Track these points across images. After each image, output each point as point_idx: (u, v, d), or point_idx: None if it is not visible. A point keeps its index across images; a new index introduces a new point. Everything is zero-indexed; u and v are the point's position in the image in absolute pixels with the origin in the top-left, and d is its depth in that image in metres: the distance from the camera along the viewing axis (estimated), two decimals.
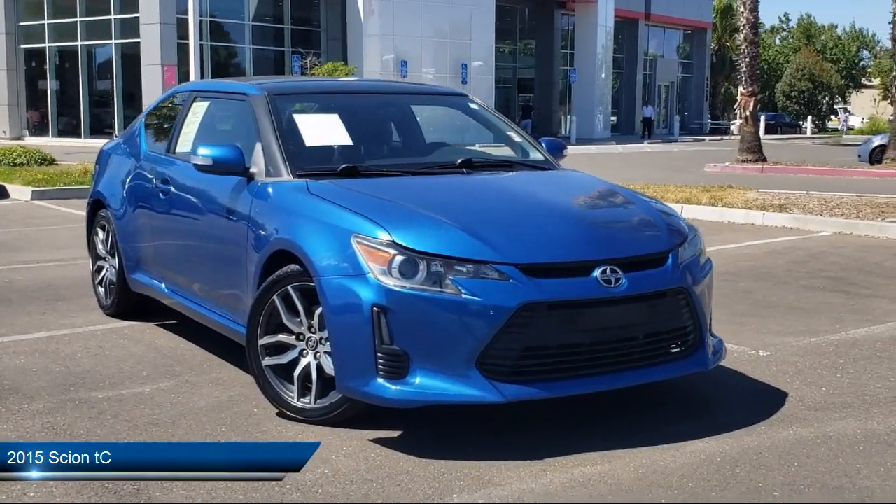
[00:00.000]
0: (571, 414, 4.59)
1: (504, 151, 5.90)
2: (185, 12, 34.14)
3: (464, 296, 4.04)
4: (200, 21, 34.01)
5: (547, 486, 3.80)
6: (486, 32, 41.05)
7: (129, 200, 6.33)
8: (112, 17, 34.91)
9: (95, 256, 6.98)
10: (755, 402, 4.89)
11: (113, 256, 6.68)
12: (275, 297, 4.58)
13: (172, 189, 5.77)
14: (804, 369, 5.47)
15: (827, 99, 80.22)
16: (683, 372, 4.53)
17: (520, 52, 49.15)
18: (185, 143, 5.96)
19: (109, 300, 6.77)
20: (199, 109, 5.97)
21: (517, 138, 5.92)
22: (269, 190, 4.89)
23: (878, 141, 27.65)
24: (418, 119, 6.00)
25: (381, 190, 4.76)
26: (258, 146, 5.10)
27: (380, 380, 4.09)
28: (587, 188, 5.31)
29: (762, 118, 42.89)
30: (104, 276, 6.85)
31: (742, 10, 25.24)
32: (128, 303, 6.66)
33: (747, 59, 25.28)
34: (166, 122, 6.45)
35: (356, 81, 7.27)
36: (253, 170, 5.04)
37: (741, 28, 25.43)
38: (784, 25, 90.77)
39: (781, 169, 23.67)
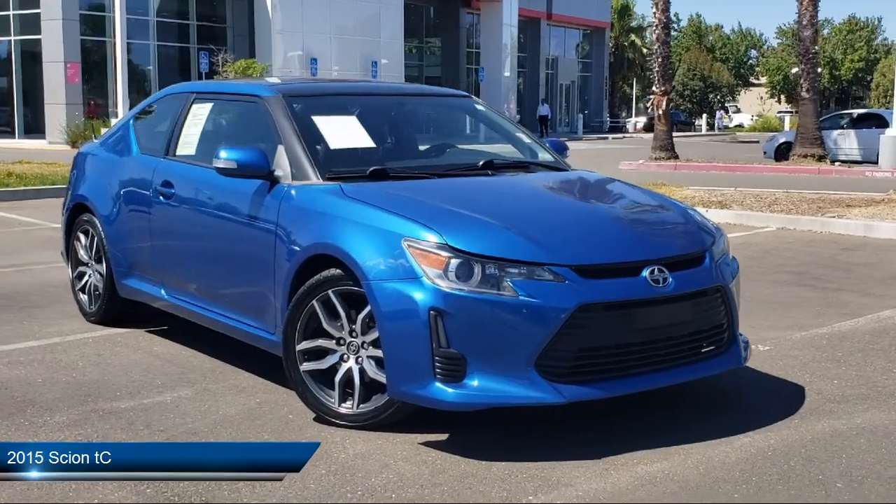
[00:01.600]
0: (605, 413, 4.66)
1: (508, 151, 5.94)
2: (90, 8, 33.56)
3: (521, 298, 4.07)
4: (103, 17, 33.34)
5: (616, 484, 3.87)
6: (395, 30, 41.08)
7: (121, 204, 6.19)
8: (10, 12, 33.82)
9: (76, 262, 6.80)
10: (776, 396, 5.04)
11: (99, 262, 6.52)
12: (314, 301, 4.55)
13: (176, 192, 5.66)
14: (808, 363, 5.65)
15: (718, 97, 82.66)
16: (722, 369, 4.65)
17: (425, 50, 49.25)
18: (186, 145, 5.85)
19: (94, 307, 6.60)
20: (200, 111, 5.86)
21: (526, 139, 5.98)
22: (300, 193, 4.84)
23: (782, 138, 28.62)
24: (427, 120, 6.00)
25: (417, 192, 4.76)
26: (280, 149, 5.05)
27: (438, 383, 4.10)
28: (614, 188, 5.40)
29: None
30: (87, 282, 6.68)
31: (654, 10, 25.78)
32: (115, 309, 6.51)
33: (660, 59, 25.85)
34: (159, 123, 6.31)
35: (363, 83, 7.22)
36: (278, 173, 4.98)
37: (654, 28, 25.97)
38: (675, 26, 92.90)
39: (694, 166, 24.27)
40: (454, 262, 4.11)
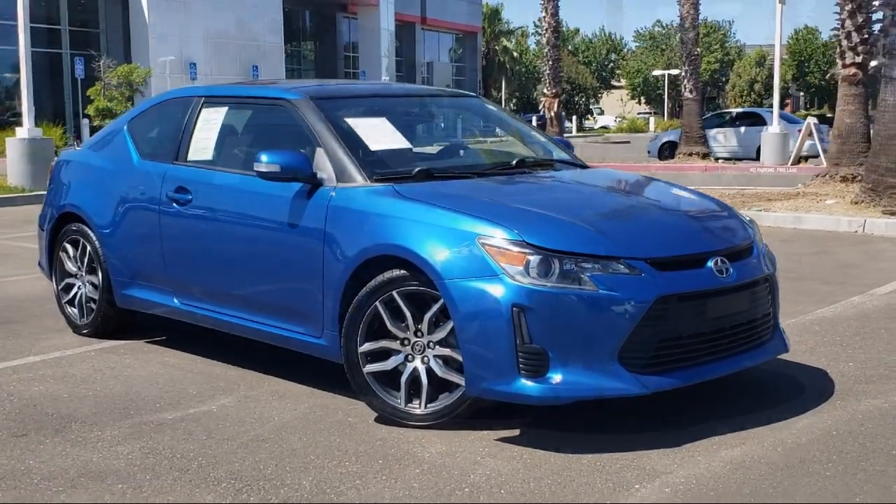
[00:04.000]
0: (655, 404, 4.78)
1: (519, 148, 6.02)
2: None
3: (601, 291, 4.17)
4: None
5: (710, 469, 4.00)
6: (275, 35, 40.65)
7: (122, 212, 6.03)
8: None
9: (62, 274, 6.58)
10: (803, 381, 5.27)
11: (91, 273, 6.34)
12: (377, 303, 4.56)
13: (194, 198, 5.55)
14: (814, 348, 5.92)
15: (584, 100, 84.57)
16: (773, 355, 4.86)
17: (303, 54, 48.86)
18: (200, 150, 5.74)
19: (87, 319, 6.41)
20: (213, 116, 5.76)
21: (538, 137, 6.09)
22: (349, 195, 4.82)
23: (665, 138, 29.59)
24: (444, 119, 6.05)
25: (472, 191, 4.83)
26: (320, 151, 5.02)
27: (522, 379, 4.17)
28: (654, 184, 5.58)
29: (533, 118, 44.59)
30: (77, 294, 6.48)
31: (543, 13, 26.27)
32: (111, 321, 6.35)
33: (550, 62, 26.36)
34: (161, 129, 6.17)
35: (379, 84, 7.18)
36: (321, 176, 4.96)
37: (544, 31, 26.46)
38: (539, 30, 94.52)
39: (592, 166, 24.78)
40: (534, 258, 4.19)
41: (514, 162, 5.45)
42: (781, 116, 24.70)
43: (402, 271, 4.51)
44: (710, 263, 4.45)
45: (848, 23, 15.47)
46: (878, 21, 13.94)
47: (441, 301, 4.39)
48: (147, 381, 5.43)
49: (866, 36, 15.35)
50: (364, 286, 4.65)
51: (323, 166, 4.98)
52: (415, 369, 4.54)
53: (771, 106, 25.20)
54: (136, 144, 6.15)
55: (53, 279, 6.70)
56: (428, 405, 4.52)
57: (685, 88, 25.53)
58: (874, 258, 9.65)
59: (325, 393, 5.13)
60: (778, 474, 3.93)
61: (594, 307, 4.16)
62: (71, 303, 6.55)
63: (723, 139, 28.04)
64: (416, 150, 5.49)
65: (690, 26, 25.29)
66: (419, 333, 4.52)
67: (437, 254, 4.36)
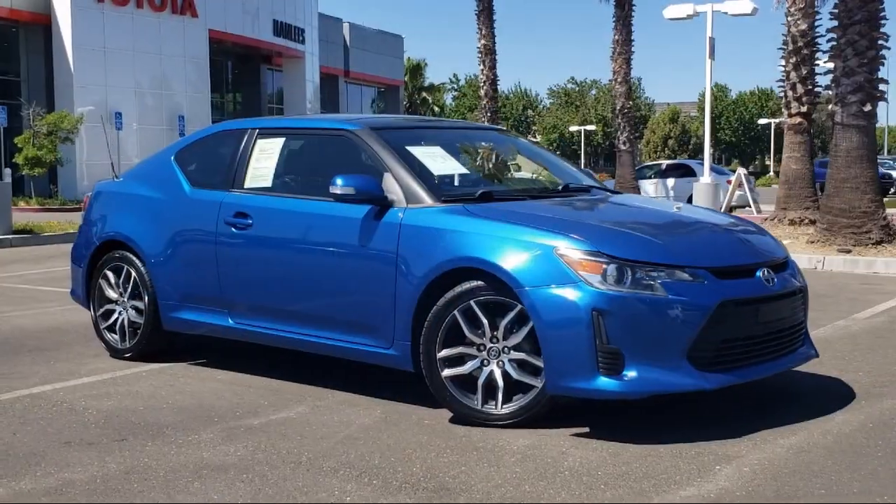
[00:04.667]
0: (693, 401, 5.27)
1: (545, 176, 6.51)
2: None
3: (670, 296, 4.66)
4: None
5: (776, 453, 4.48)
6: (201, 85, 40.79)
7: (173, 238, 6.34)
8: None
9: (102, 301, 6.83)
10: (822, 386, 5.82)
11: (136, 298, 6.61)
12: (455, 312, 4.98)
13: (255, 222, 5.89)
14: (820, 361, 6.43)
15: None
16: (806, 360, 5.40)
17: (227, 105, 48.97)
18: (258, 178, 6.10)
19: (130, 343, 6.67)
20: (269, 147, 6.13)
21: (568, 166, 6.61)
22: (422, 215, 5.24)
23: None
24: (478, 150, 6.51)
25: (537, 210, 5.29)
26: (387, 176, 5.44)
27: (602, 377, 4.61)
28: (685, 206, 6.12)
29: None
30: (118, 319, 6.74)
31: (482, 66, 27.08)
32: (155, 344, 6.62)
33: (489, 114, 27.12)
34: (212, 160, 6.50)
35: (424, 119, 7.62)
36: (391, 198, 5.37)
37: (482, 84, 27.25)
38: (455, 85, 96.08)
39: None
40: (611, 266, 4.67)
41: (560, 186, 5.94)
42: (710, 168, 25.76)
43: (480, 282, 4.94)
44: (759, 273, 4.99)
45: (793, 74, 16.48)
46: (820, 73, 14.94)
47: (518, 308, 4.83)
48: (213, 395, 5.72)
49: (810, 87, 16.36)
50: (436, 298, 5.06)
51: (391, 189, 5.40)
52: (491, 373, 4.95)
53: (686, 159, 26.27)
54: (186, 174, 6.48)
55: (91, 306, 6.93)
56: (503, 406, 4.92)
57: (619, 140, 26.51)
58: (842, 290, 10.38)
59: (389, 401, 5.49)
60: (837, 456, 4.44)
61: (665, 310, 4.64)
62: (110, 329, 6.80)
63: (653, 190, 29.05)
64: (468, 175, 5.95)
65: (623, 80, 26.32)
66: (495, 339, 4.93)
67: (516, 265, 4.81)
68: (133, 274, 6.59)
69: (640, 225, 5.24)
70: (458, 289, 4.99)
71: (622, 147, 26.38)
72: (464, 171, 5.91)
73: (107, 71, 36.79)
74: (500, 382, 4.93)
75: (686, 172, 28.73)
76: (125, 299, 6.68)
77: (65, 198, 31.01)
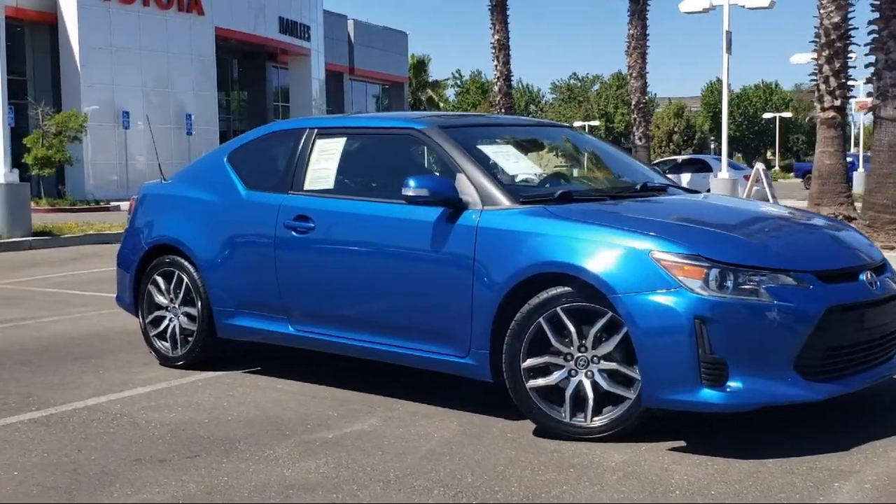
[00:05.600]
0: (787, 410, 5.02)
1: (622, 174, 6.26)
2: None
3: (776, 302, 4.42)
4: None
5: (893, 467, 4.26)
6: (208, 83, 40.58)
7: (229, 242, 6.11)
8: None
9: (152, 307, 6.61)
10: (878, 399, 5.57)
11: (187, 304, 6.38)
12: (540, 319, 4.75)
13: (317, 226, 5.66)
14: None
15: None
16: None
17: (233, 103, 48.72)
18: (318, 180, 5.87)
19: (181, 351, 6.44)
20: (330, 147, 5.90)
21: (638, 164, 6.37)
22: (500, 218, 5.00)
23: None
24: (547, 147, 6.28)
25: (625, 211, 5.06)
26: (461, 177, 5.21)
27: (705, 389, 4.38)
28: (776, 206, 5.89)
29: None
30: (169, 326, 6.51)
31: (496, 62, 26.83)
32: (208, 351, 6.40)
33: (502, 110, 26.86)
34: (268, 161, 6.28)
35: (490, 116, 7.39)
36: (466, 199, 5.14)
37: (495, 80, 27.00)
38: (458, 81, 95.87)
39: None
40: (713, 271, 4.43)
41: (637, 185, 5.71)
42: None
43: (567, 288, 4.70)
44: (862, 277, 4.76)
45: (826, 68, 16.23)
46: (852, 66, 14.70)
47: (608, 315, 4.60)
48: (278, 406, 5.50)
49: (844, 80, 16.12)
50: (518, 304, 4.83)
51: (465, 190, 5.16)
52: (579, 383, 4.72)
53: (702, 154, 26.07)
54: (241, 176, 6.24)
55: (140, 313, 6.70)
56: (594, 419, 4.69)
57: (634, 136, 26.27)
58: None
59: (464, 412, 5.27)
60: None
61: (771, 317, 4.40)
62: (161, 336, 6.57)
63: None
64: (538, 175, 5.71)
65: (639, 75, 26.08)
66: (583, 348, 4.70)
67: (608, 270, 4.57)
68: (185, 279, 6.36)
69: (736, 226, 5.02)
70: (544, 295, 4.75)
71: (638, 142, 26.17)
72: (538, 170, 5.68)
73: (113, 69, 36.55)
74: (590, 394, 4.70)
75: (702, 168, 28.49)
76: (176, 306, 6.46)
77: (74, 198, 30.77)
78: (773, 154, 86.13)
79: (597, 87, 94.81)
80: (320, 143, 5.95)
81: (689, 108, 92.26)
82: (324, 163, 5.89)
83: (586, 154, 6.44)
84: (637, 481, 4.15)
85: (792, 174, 64.69)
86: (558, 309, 4.72)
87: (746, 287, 4.44)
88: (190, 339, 6.40)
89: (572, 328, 4.70)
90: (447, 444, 4.73)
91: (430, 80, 70.79)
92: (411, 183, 5.12)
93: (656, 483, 4.13)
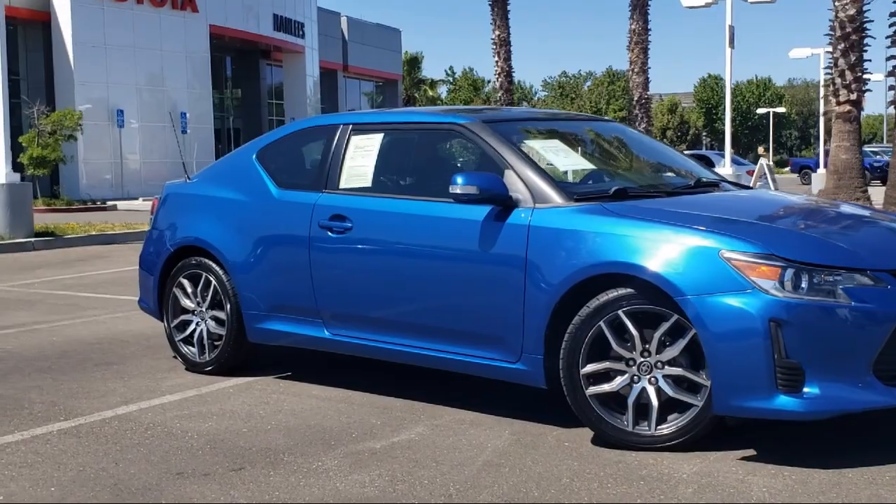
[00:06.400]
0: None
1: (671, 169, 6.02)
2: None
3: (854, 303, 4.20)
4: None
5: None
6: (202, 81, 40.23)
7: (260, 243, 5.86)
8: None
9: (177, 310, 6.36)
10: None
11: (215, 308, 6.14)
12: (601, 323, 4.52)
13: (355, 225, 5.42)
14: None
15: None
16: None
17: (227, 101, 48.35)
18: (355, 178, 5.63)
19: (210, 356, 6.20)
20: (366, 143, 5.65)
21: (686, 159, 6.14)
22: (555, 216, 4.76)
23: None
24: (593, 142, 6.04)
25: (686, 207, 4.82)
26: (510, 174, 4.98)
27: (782, 395, 4.15)
28: (829, 200, 5.65)
29: None
30: (196, 331, 6.26)
31: (496, 58, 26.58)
32: (238, 357, 6.16)
33: (504, 106, 26.60)
34: (301, 158, 6.04)
35: (532, 110, 7.15)
36: (516, 197, 4.91)
37: (496, 76, 26.75)
38: (450, 78, 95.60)
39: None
40: (789, 271, 4.20)
41: (691, 181, 5.48)
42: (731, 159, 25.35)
43: (629, 289, 4.48)
44: None
45: (841, 61, 16.03)
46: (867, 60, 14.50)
47: (674, 318, 4.38)
48: (317, 414, 5.27)
49: (859, 74, 15.92)
50: (575, 307, 4.61)
51: (515, 188, 4.93)
52: (642, 390, 4.50)
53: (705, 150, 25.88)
54: (271, 174, 6.00)
55: (165, 318, 6.46)
56: (658, 427, 4.47)
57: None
58: None
59: (513, 420, 5.05)
60: None
61: (849, 319, 4.18)
62: (187, 341, 6.33)
63: None
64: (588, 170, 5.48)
65: (641, 70, 25.87)
66: (646, 353, 4.48)
67: (675, 270, 4.35)
68: (213, 282, 6.12)
69: (805, 223, 4.79)
70: (604, 297, 4.52)
71: None
72: (589, 166, 5.44)
73: (108, 68, 36.22)
74: (654, 401, 4.47)
75: (705, 163, 28.25)
76: (203, 309, 6.21)
77: (69, 197, 30.43)
78: (766, 150, 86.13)
79: (589, 83, 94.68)
80: (356, 140, 5.71)
81: (681, 103, 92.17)
82: (360, 160, 5.65)
83: (631, 148, 6.19)
84: (714, 494, 3.93)
85: (787, 169, 64.63)
86: (620, 312, 4.49)
87: (823, 287, 4.21)
88: (218, 343, 6.15)
89: (635, 332, 4.48)
90: (502, 454, 4.50)
91: (424, 77, 70.40)
92: (459, 180, 4.88)
93: (735, 495, 3.91)
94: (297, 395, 5.70)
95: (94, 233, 16.51)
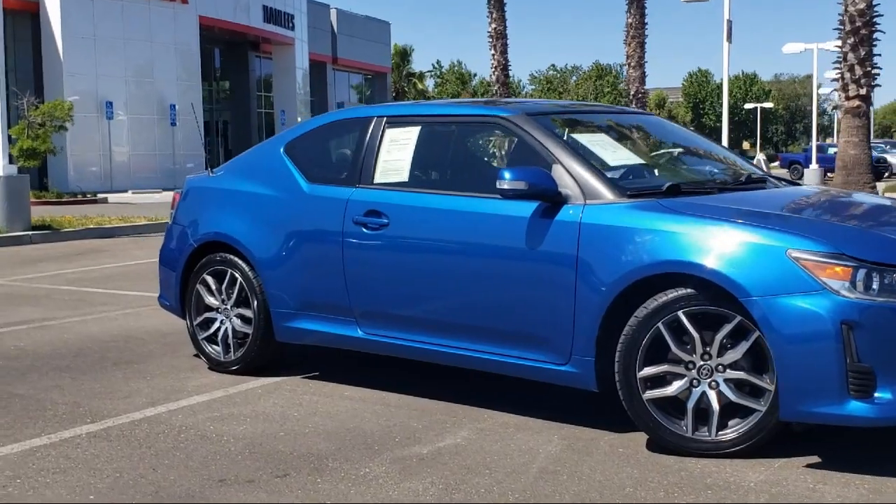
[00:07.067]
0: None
1: (715, 163, 5.85)
2: None
3: None
4: None
5: None
6: (192, 73, 39.89)
7: (289, 239, 5.67)
8: None
9: (200, 308, 6.17)
10: None
11: (241, 305, 5.95)
12: (660, 324, 4.35)
13: (392, 222, 5.24)
14: None
15: None
16: None
17: (215, 93, 47.98)
18: (390, 172, 5.44)
19: (235, 355, 6.00)
20: (402, 136, 5.46)
21: (729, 153, 5.97)
22: (607, 213, 4.59)
23: None
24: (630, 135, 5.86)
25: (745, 204, 4.66)
26: (558, 168, 4.80)
27: (853, 401, 3.99)
28: (881, 198, 5.50)
29: None
30: (220, 329, 6.07)
31: (493, 52, 26.40)
32: (265, 356, 5.97)
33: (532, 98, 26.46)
34: (333, 152, 5.85)
35: (571, 103, 6.96)
36: (565, 193, 4.73)
37: (492, 70, 26.58)
38: (438, 71, 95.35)
39: None
40: (861, 271, 4.03)
41: (742, 177, 5.32)
42: None
43: (689, 290, 4.31)
44: None
45: (850, 56, 15.90)
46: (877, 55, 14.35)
47: (736, 320, 4.21)
48: (354, 417, 5.09)
49: (869, 68, 15.79)
50: (629, 308, 4.44)
51: (564, 183, 4.75)
52: (703, 394, 4.33)
53: None
54: (301, 168, 5.80)
55: (187, 315, 6.26)
56: (719, 433, 4.30)
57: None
58: None
59: (559, 424, 4.89)
60: None
61: None
62: (211, 339, 6.13)
63: None
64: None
65: (637, 64, 25.74)
66: (706, 356, 4.31)
67: (740, 270, 4.18)
68: (238, 279, 5.92)
69: (869, 221, 4.63)
70: (664, 297, 4.35)
71: None
72: (638, 161, 5.26)
73: (97, 59, 35.88)
74: (715, 406, 4.31)
75: None
76: (228, 307, 6.02)
77: (59, 190, 30.09)
78: (753, 145, 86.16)
79: (575, 78, 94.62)
80: (391, 133, 5.52)
81: (668, 98, 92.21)
82: (396, 153, 5.46)
83: (674, 142, 6.01)
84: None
85: (776, 164, 64.67)
86: (680, 313, 4.32)
87: (893, 288, 4.05)
88: (244, 342, 5.96)
89: (695, 334, 4.31)
90: (557, 461, 4.33)
91: (413, 70, 70.14)
92: (507, 175, 4.70)
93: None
94: (328, 396, 5.51)
95: (91, 226, 16.25)
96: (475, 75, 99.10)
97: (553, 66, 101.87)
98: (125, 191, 34.08)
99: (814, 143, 40.66)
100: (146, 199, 29.66)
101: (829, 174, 27.58)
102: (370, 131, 5.57)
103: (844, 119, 15.82)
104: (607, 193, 4.67)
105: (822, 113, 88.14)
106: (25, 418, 5.12)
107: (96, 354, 6.69)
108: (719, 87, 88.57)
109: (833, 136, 74.71)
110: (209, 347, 6.13)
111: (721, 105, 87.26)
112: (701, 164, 5.78)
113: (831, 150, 46.70)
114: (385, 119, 5.58)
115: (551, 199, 4.74)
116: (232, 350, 6.02)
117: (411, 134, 5.46)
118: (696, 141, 6.03)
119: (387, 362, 5.97)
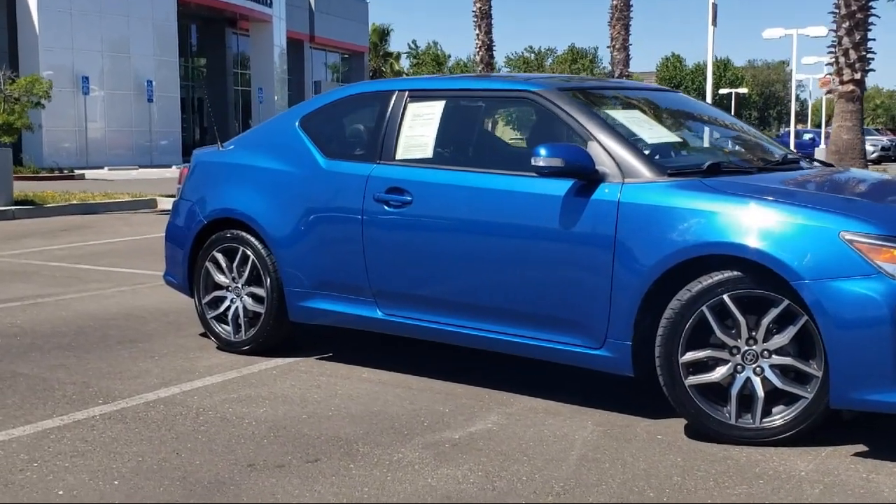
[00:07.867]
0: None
1: (744, 142, 5.71)
2: None
3: None
4: None
5: None
6: (169, 49, 39.36)
7: (306, 216, 5.48)
8: None
9: (209, 286, 5.97)
10: None
11: (253, 284, 5.76)
12: (703, 308, 4.21)
13: (415, 199, 5.07)
14: None
15: None
16: None
17: (192, 70, 47.40)
18: (413, 148, 5.26)
19: (247, 334, 5.81)
20: (426, 111, 5.28)
21: (756, 133, 5.82)
22: (647, 192, 4.43)
23: None
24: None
25: (791, 185, 4.54)
26: (594, 145, 4.64)
27: None
28: None
29: None
30: (231, 308, 5.88)
31: (477, 31, 26.17)
32: (277, 336, 5.79)
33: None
34: (352, 126, 5.66)
35: (603, 80, 6.78)
36: (602, 171, 4.57)
37: (477, 50, 26.36)
38: (414, 52, 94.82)
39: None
40: None
41: (779, 157, 5.19)
42: None
43: (735, 272, 4.17)
44: None
45: (845, 40, 15.81)
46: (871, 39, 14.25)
47: (784, 304, 4.08)
48: (377, 400, 4.92)
49: (864, 53, 15.71)
50: (670, 290, 4.30)
51: (600, 160, 4.60)
52: (747, 380, 4.20)
53: None
54: (318, 144, 5.60)
55: (196, 294, 6.06)
56: (763, 420, 4.17)
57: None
58: None
59: (589, 409, 4.75)
60: None
61: None
62: (221, 319, 5.94)
63: None
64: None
65: (622, 47, 25.60)
66: (752, 341, 4.18)
67: (790, 252, 4.04)
68: (251, 256, 5.73)
69: None
70: (708, 280, 4.20)
71: None
72: (675, 138, 5.11)
73: (73, 33, 35.30)
74: (760, 392, 4.17)
75: None
76: (239, 285, 5.83)
77: (35, 165, 29.62)
78: None
79: (550, 60, 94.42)
80: (413, 107, 5.33)
81: (643, 82, 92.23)
82: (419, 129, 5.28)
83: (704, 120, 5.86)
84: (843, 494, 3.65)
85: None
86: (725, 296, 4.18)
87: None
88: (255, 322, 5.77)
89: (741, 318, 4.17)
90: (595, 447, 4.19)
91: (391, 51, 69.72)
92: (543, 152, 4.53)
93: (865, 496, 3.64)
94: (346, 377, 5.35)
95: (75, 202, 15.93)
96: (450, 56, 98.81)
97: (530, 47, 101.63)
98: (101, 167, 33.59)
99: (792, 129, 40.70)
100: (124, 175, 29.26)
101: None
102: (391, 105, 5.39)
103: (838, 104, 15.76)
104: (646, 172, 4.52)
105: (795, 98, 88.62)
106: (33, 398, 4.92)
107: (97, 333, 6.48)
108: (693, 71, 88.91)
109: (807, 122, 74.98)
110: (219, 327, 5.94)
111: (695, 90, 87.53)
112: (734, 144, 5.64)
113: (806, 136, 46.84)
114: (407, 93, 5.39)
115: (588, 177, 4.58)
116: (243, 330, 5.83)
117: (435, 109, 5.28)
118: (726, 119, 5.88)
119: (396, 343, 5.81)
